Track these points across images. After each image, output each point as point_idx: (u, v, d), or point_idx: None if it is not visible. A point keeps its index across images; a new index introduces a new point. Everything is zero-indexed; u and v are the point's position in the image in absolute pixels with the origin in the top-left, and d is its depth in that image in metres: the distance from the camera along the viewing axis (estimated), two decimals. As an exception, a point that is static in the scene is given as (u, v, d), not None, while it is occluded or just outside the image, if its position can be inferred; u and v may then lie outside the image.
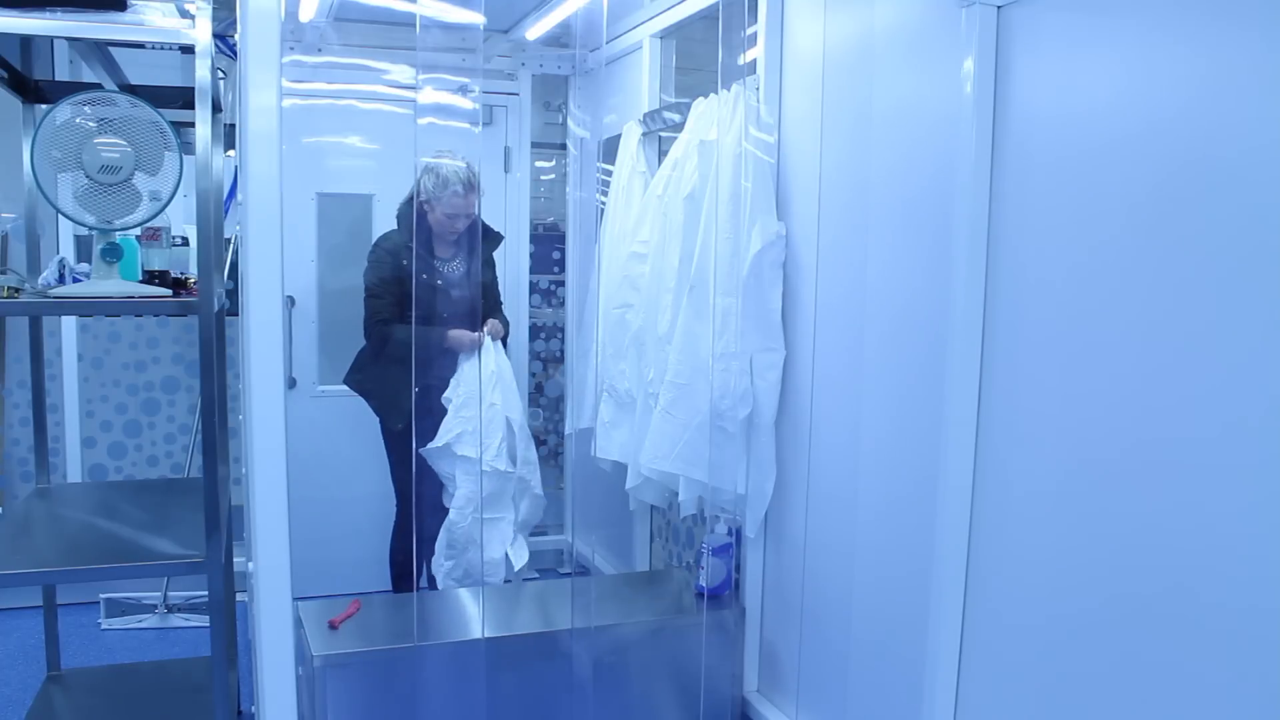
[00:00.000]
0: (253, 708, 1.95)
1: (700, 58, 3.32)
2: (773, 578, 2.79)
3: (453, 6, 2.57)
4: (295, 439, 1.82)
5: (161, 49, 2.80)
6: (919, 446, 2.13)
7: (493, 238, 3.51)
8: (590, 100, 3.80)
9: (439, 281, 3.31)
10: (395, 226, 3.39)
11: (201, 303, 2.03)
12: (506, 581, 3.26)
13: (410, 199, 3.28)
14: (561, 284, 4.44)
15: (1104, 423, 1.66)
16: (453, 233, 3.30)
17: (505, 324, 3.49)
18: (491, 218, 4.04)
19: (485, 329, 3.30)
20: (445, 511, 3.25)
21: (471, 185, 3.25)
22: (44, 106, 2.60)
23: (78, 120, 2.04)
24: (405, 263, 3.22)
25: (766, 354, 2.65)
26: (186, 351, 4.13)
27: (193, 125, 1.99)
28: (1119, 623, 1.64)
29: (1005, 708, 1.91)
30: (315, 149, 3.83)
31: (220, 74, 2.58)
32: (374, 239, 3.45)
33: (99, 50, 2.65)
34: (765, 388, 2.65)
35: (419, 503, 3.31)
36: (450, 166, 3.23)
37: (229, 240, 3.32)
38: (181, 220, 2.77)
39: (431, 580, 3.30)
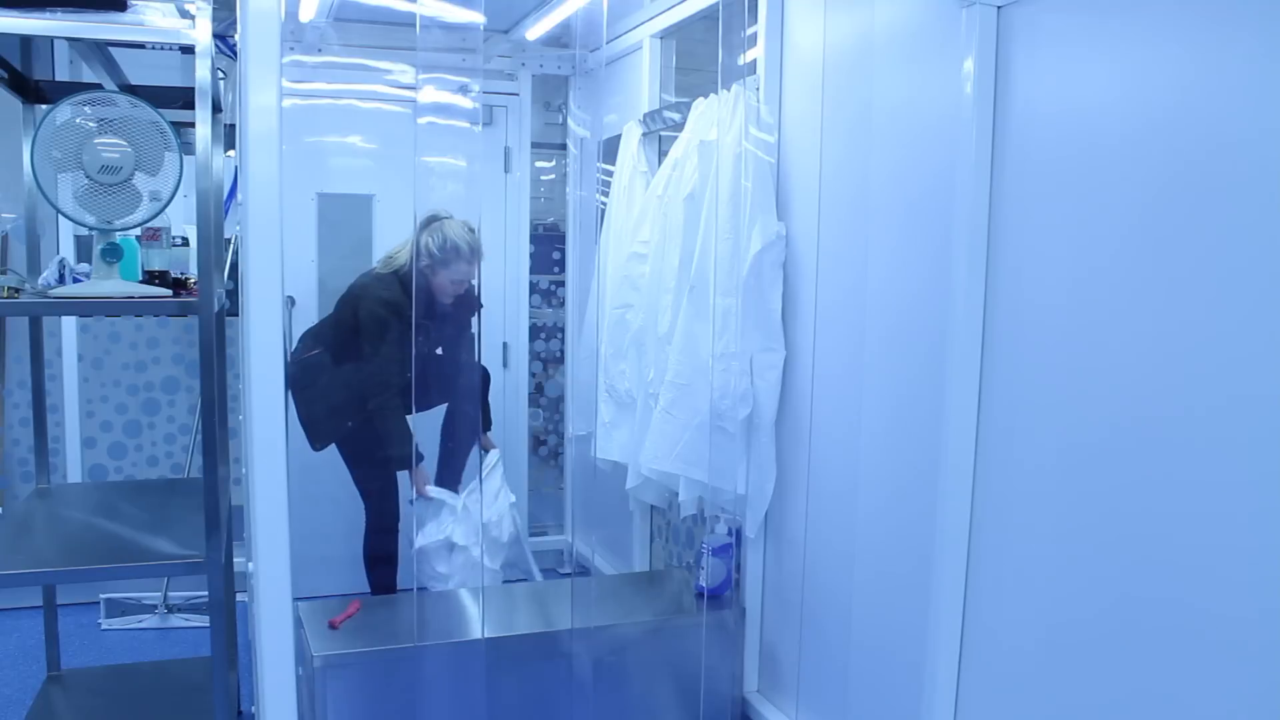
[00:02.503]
0: (253, 708, 1.95)
1: (700, 58, 3.32)
2: (773, 578, 2.79)
3: (453, 6, 2.57)
4: (295, 439, 1.82)
5: (161, 49, 2.80)
6: (919, 446, 2.13)
7: (476, 306, 3.42)
8: (590, 100, 3.80)
9: (437, 350, 3.28)
10: (377, 271, 3.30)
11: (201, 303, 2.04)
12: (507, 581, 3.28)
13: (414, 255, 3.21)
14: (561, 284, 4.44)
15: (1105, 423, 1.66)
16: (449, 299, 3.24)
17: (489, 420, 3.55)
18: (492, 218, 4.05)
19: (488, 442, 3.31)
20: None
21: (477, 250, 3.21)
22: (44, 106, 2.60)
23: (78, 120, 2.04)
24: (408, 334, 3.15)
25: (766, 354, 2.65)
26: (186, 351, 4.13)
27: (193, 125, 1.98)
28: (1119, 623, 1.64)
29: (1005, 707, 1.91)
30: (315, 149, 3.83)
31: (220, 74, 2.58)
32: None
33: (99, 50, 2.64)
34: (765, 388, 2.65)
35: (389, 506, 3.32)
36: (456, 230, 3.17)
37: (229, 240, 3.32)
38: (181, 220, 2.77)
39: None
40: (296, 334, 3.75)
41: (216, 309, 2.13)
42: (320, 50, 3.71)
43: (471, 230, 3.21)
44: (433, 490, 3.21)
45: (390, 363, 3.15)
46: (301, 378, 3.32)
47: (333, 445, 3.36)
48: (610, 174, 3.39)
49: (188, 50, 2.02)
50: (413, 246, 3.21)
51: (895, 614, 2.23)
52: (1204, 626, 1.48)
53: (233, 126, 2.52)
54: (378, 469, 3.34)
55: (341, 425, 3.26)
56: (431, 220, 3.20)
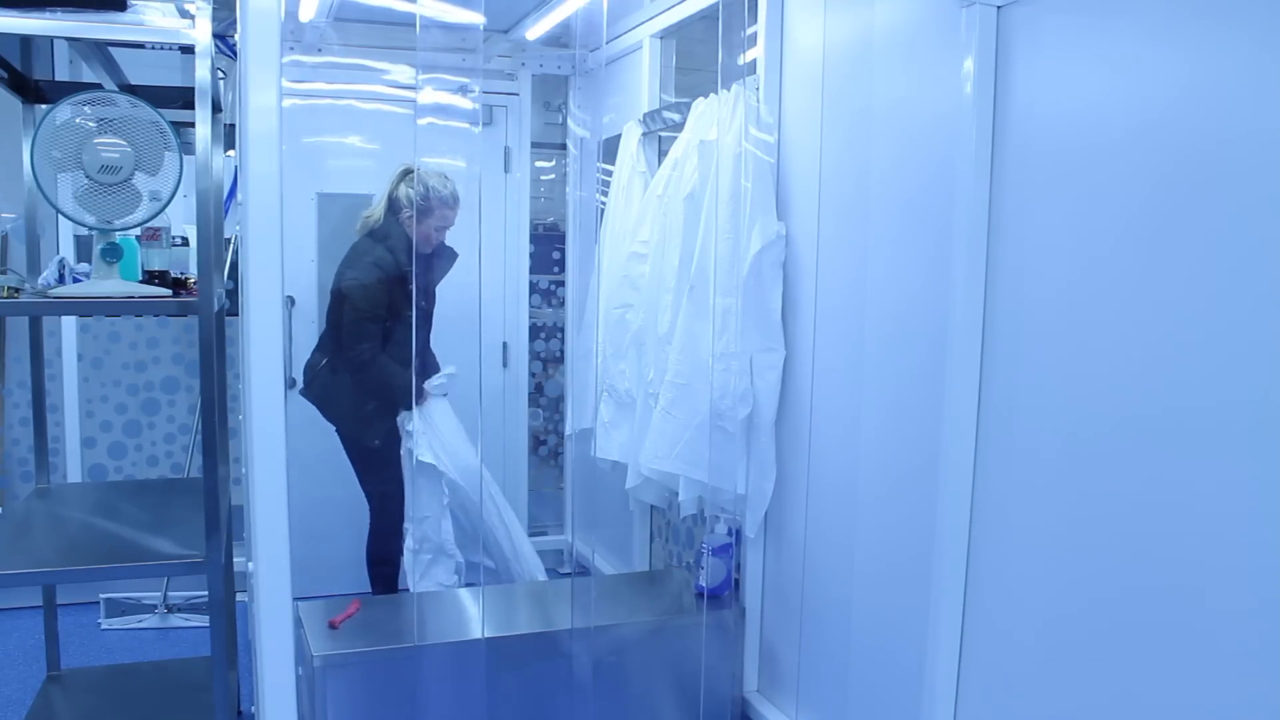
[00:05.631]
0: (253, 708, 1.95)
1: (700, 58, 3.33)
2: (773, 578, 2.79)
3: (453, 6, 2.57)
4: (295, 439, 1.82)
5: (161, 49, 2.80)
6: (919, 445, 2.13)
7: (453, 255, 3.43)
8: (590, 100, 3.80)
9: (423, 303, 3.30)
10: (354, 244, 3.32)
11: (201, 303, 2.04)
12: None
13: (392, 210, 3.24)
14: (561, 284, 4.44)
15: (1104, 422, 1.66)
16: (430, 245, 3.27)
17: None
18: (492, 218, 4.05)
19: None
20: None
21: (458, 196, 3.26)
22: (44, 106, 2.60)
23: (78, 120, 2.04)
24: (408, 285, 3.18)
25: (766, 354, 2.65)
26: (186, 351, 4.13)
27: (193, 125, 1.99)
28: (1119, 622, 1.64)
29: (1005, 707, 1.91)
30: (315, 149, 3.83)
31: (220, 74, 2.58)
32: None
33: (99, 50, 2.64)
34: (765, 388, 2.65)
35: (393, 507, 3.34)
36: (435, 177, 3.21)
37: (229, 240, 3.31)
38: (181, 220, 2.77)
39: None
40: (296, 334, 3.76)
41: (216, 309, 2.13)
42: (320, 50, 3.72)
43: (446, 177, 3.25)
44: (430, 383, 3.32)
45: (378, 323, 3.21)
46: (324, 394, 3.33)
47: (338, 445, 3.37)
48: (610, 174, 3.39)
49: (188, 50, 2.02)
50: (385, 201, 3.25)
51: (895, 613, 2.23)
52: (1204, 621, 1.48)
53: (233, 126, 2.52)
54: (383, 470, 3.35)
55: (373, 414, 3.31)
56: (407, 172, 3.25)
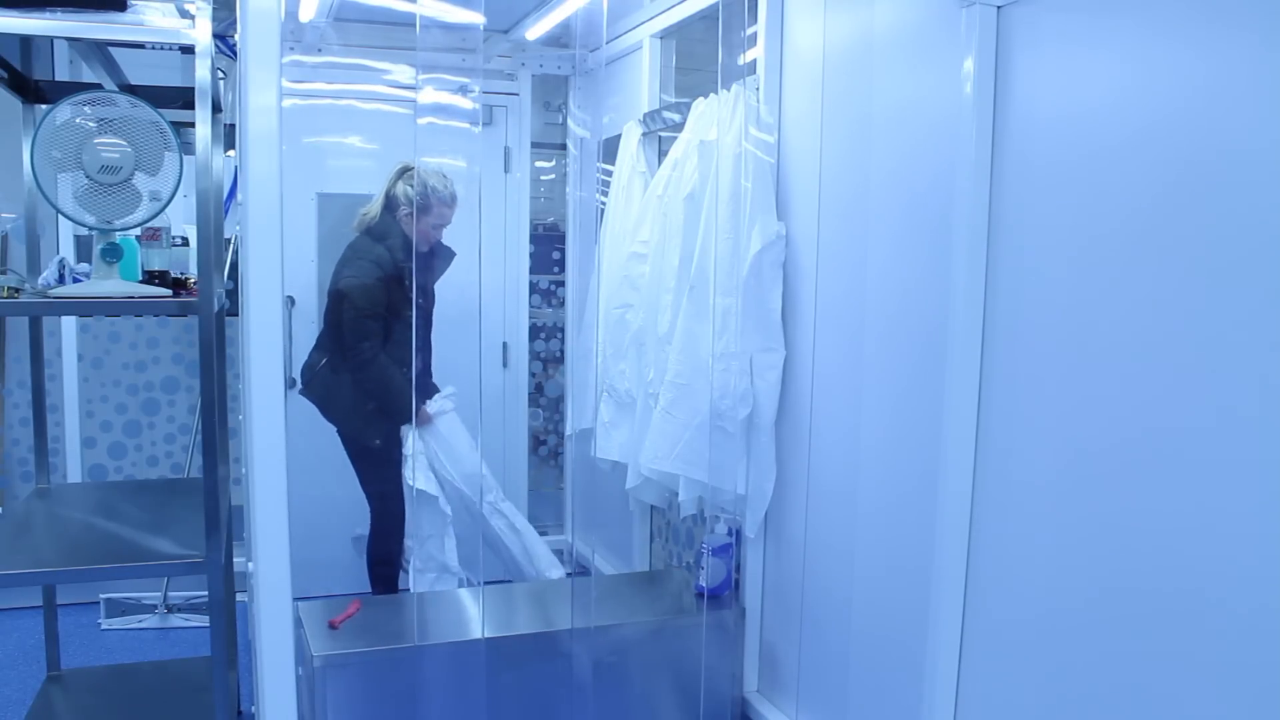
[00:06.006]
0: (253, 708, 1.95)
1: (700, 58, 3.32)
2: (773, 578, 2.79)
3: (453, 6, 2.57)
4: (295, 439, 1.82)
5: (161, 49, 2.80)
6: (919, 446, 2.13)
7: (450, 254, 3.41)
8: (590, 100, 3.80)
9: (421, 302, 3.30)
10: (351, 242, 3.32)
11: (201, 303, 2.04)
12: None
13: (389, 208, 3.25)
14: (561, 284, 4.44)
15: (1104, 422, 1.66)
16: (428, 243, 3.27)
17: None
18: (492, 218, 4.05)
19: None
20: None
21: (455, 194, 3.27)
22: (44, 106, 2.60)
23: (78, 120, 2.04)
24: (406, 283, 3.18)
25: (766, 354, 2.65)
26: (186, 351, 4.13)
27: (193, 125, 1.99)
28: (1119, 622, 1.64)
29: (1005, 707, 1.91)
30: (315, 149, 3.83)
31: (220, 74, 2.58)
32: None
33: (99, 50, 2.65)
34: (765, 388, 2.65)
35: (394, 507, 3.34)
36: (434, 176, 3.22)
37: (229, 240, 3.31)
38: (181, 220, 2.77)
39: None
40: (296, 334, 3.76)
41: (216, 309, 2.13)
42: (320, 50, 3.72)
43: (445, 176, 3.26)
44: (433, 406, 3.34)
45: (377, 320, 3.20)
46: (323, 394, 3.33)
47: (338, 445, 3.36)
48: (610, 174, 3.39)
49: (188, 50, 2.02)
50: (382, 199, 3.25)
51: (895, 613, 2.23)
52: (1204, 622, 1.48)
53: (233, 126, 2.52)
54: (383, 470, 3.34)
55: (373, 414, 3.31)
56: (406, 169, 3.25)
